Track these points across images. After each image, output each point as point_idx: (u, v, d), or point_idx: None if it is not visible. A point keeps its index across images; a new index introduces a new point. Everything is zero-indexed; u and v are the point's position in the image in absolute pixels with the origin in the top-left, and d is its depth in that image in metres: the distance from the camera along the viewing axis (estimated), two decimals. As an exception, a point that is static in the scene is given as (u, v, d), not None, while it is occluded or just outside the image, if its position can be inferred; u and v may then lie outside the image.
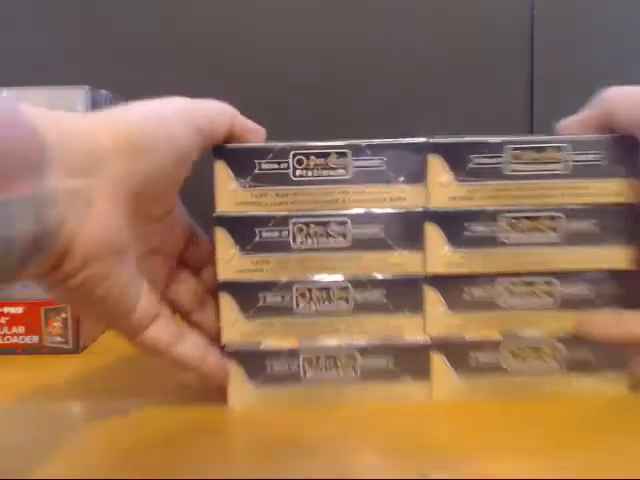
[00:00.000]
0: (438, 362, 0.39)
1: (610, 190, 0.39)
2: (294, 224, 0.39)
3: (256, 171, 0.40)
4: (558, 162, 0.40)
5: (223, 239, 0.40)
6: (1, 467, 0.33)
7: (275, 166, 0.40)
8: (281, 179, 0.40)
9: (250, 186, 0.40)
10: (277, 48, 0.65)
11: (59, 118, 0.29)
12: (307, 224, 0.39)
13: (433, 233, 0.40)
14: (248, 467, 0.32)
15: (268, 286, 0.39)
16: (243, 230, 0.40)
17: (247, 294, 0.39)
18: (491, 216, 0.40)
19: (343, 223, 0.40)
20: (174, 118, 0.35)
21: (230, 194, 0.40)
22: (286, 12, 0.64)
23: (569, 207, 0.40)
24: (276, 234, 0.39)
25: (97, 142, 0.30)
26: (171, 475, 0.31)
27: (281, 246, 0.39)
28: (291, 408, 0.39)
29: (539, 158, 0.40)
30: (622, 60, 0.63)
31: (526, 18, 0.64)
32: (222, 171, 0.40)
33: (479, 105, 0.65)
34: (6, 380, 0.46)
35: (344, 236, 0.40)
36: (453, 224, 0.40)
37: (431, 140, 0.42)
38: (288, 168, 0.40)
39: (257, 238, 0.39)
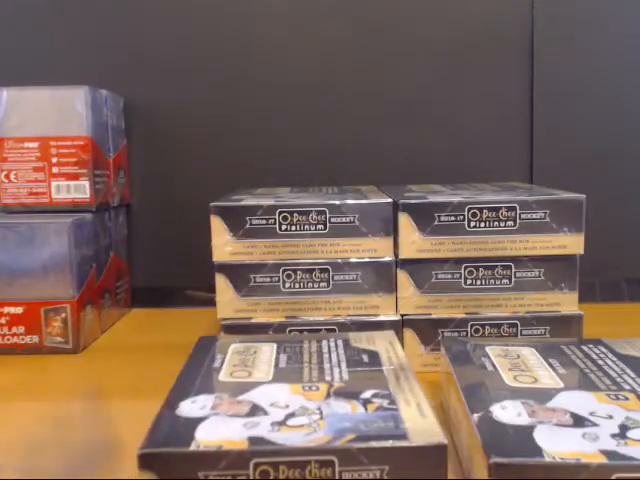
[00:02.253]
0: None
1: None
2: (279, 214, 0.44)
3: None
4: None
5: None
6: (1, 466, 0.33)
7: None
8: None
9: None
10: (276, 47, 0.65)
11: None
12: (291, 213, 0.44)
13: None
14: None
15: (258, 268, 0.45)
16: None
17: (240, 275, 0.45)
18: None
19: (322, 212, 0.44)
20: None
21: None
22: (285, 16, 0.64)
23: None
24: (264, 222, 0.44)
25: None
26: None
27: (269, 233, 0.44)
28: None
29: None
30: (622, 60, 0.63)
31: (526, 18, 0.64)
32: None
33: (479, 105, 0.65)
34: (6, 380, 0.46)
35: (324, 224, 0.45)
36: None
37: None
38: None
39: (248, 225, 0.44)
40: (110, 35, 0.65)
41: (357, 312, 0.44)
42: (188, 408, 0.29)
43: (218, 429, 0.26)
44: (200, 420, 0.27)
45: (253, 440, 0.25)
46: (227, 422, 0.27)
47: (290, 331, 0.44)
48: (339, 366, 0.34)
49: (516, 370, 0.34)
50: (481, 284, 0.44)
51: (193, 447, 0.25)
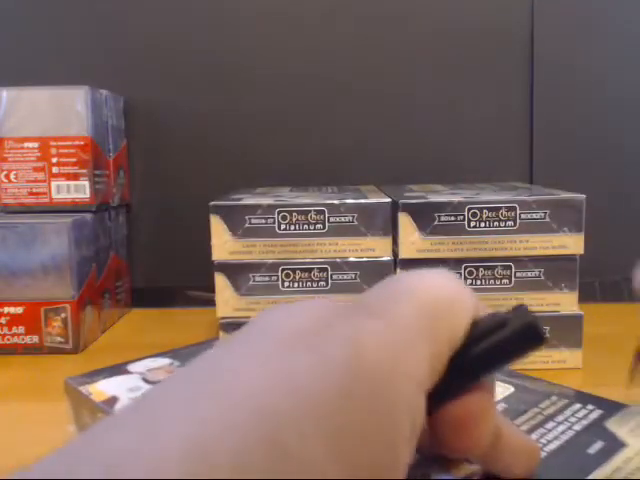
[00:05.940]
0: None
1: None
2: (278, 213, 0.44)
3: None
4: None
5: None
6: (1, 467, 0.33)
7: None
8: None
9: None
10: (276, 46, 0.65)
11: None
12: (290, 213, 0.44)
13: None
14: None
15: (257, 267, 0.45)
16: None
17: (239, 274, 0.45)
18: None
19: (321, 212, 0.44)
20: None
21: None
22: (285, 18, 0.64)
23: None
24: (263, 221, 0.44)
25: None
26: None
27: (268, 232, 0.44)
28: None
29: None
30: (622, 60, 0.63)
31: (526, 18, 0.64)
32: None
33: (479, 105, 0.65)
34: (6, 380, 0.46)
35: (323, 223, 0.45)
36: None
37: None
38: None
39: (247, 224, 0.45)
40: (110, 35, 0.65)
41: None
42: None
43: None
44: None
45: None
46: None
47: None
48: None
49: None
50: (481, 284, 0.44)
51: None
